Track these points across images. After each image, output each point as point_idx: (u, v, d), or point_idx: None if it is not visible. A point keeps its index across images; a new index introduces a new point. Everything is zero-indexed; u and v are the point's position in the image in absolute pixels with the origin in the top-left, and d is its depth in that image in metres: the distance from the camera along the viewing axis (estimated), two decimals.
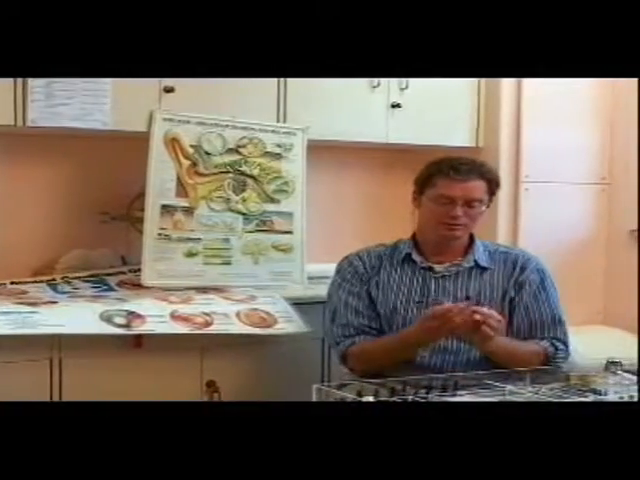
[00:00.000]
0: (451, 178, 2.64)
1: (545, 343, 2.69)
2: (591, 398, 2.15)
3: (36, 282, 3.15)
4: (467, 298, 2.67)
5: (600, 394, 2.19)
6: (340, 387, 2.23)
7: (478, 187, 2.66)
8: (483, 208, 2.69)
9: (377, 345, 2.66)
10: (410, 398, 2.11)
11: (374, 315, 2.71)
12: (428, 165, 2.74)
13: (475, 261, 2.72)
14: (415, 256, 2.73)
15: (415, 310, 2.69)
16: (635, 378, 2.31)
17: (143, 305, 2.91)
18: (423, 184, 2.71)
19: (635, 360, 2.99)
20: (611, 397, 2.16)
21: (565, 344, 2.72)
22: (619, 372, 2.32)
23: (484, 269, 2.72)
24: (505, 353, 2.55)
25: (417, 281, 2.72)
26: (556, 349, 2.68)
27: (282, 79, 3.28)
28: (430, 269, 2.72)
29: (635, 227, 3.77)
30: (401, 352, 2.59)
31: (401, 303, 2.70)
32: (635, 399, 2.15)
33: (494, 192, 2.73)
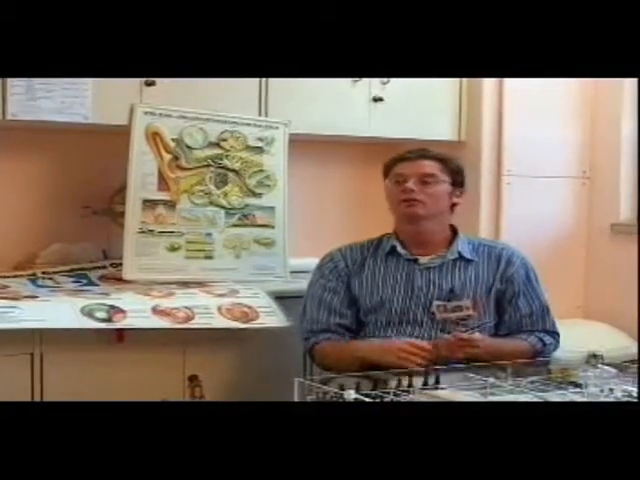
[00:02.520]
0: (404, 159, 2.75)
1: (533, 339, 2.71)
2: (571, 391, 2.16)
3: (16, 276, 3.14)
4: (451, 290, 2.69)
5: (581, 387, 2.21)
6: (322, 381, 2.23)
7: (429, 165, 2.73)
8: (442, 187, 2.72)
9: (339, 354, 2.63)
10: (392, 392, 2.12)
11: (348, 313, 2.73)
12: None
13: (459, 252, 2.74)
14: (399, 249, 2.75)
15: (401, 303, 2.70)
16: (614, 371, 2.33)
17: (124, 299, 2.90)
18: (385, 176, 2.80)
19: (616, 353, 3.01)
20: (591, 390, 2.17)
21: (554, 335, 2.76)
22: (599, 365, 2.33)
23: (468, 261, 2.74)
24: (490, 356, 2.48)
25: (402, 273, 2.73)
26: (544, 344, 2.71)
27: None
28: (415, 261, 2.73)
29: (616, 220, 3.80)
30: (360, 368, 2.51)
31: (387, 296, 2.70)
32: (615, 392, 2.16)
33: (457, 177, 2.76)
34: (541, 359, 2.63)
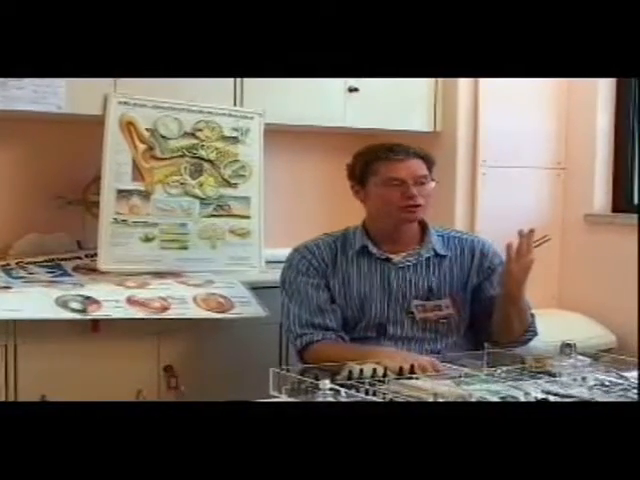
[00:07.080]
0: (392, 159, 2.62)
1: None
2: (546, 380, 2.18)
3: None
4: (429, 289, 2.66)
5: (555, 376, 2.22)
6: (298, 371, 2.24)
7: (420, 164, 2.64)
8: (431, 185, 2.65)
9: (337, 354, 2.46)
10: (367, 381, 2.12)
11: (331, 309, 2.64)
12: (357, 157, 2.70)
13: (433, 249, 2.69)
14: (371, 248, 2.67)
15: (380, 304, 2.64)
16: (588, 360, 2.35)
17: (99, 290, 2.89)
18: (362, 175, 2.67)
19: (590, 343, 3.04)
20: (565, 379, 2.19)
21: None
22: (573, 355, 2.35)
23: (442, 257, 2.69)
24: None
25: (377, 273, 2.66)
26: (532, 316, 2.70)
27: None
28: (388, 260, 2.67)
29: (590, 211, 3.82)
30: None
31: (366, 299, 2.64)
32: (588, 381, 2.18)
33: (431, 170, 2.70)
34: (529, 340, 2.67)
